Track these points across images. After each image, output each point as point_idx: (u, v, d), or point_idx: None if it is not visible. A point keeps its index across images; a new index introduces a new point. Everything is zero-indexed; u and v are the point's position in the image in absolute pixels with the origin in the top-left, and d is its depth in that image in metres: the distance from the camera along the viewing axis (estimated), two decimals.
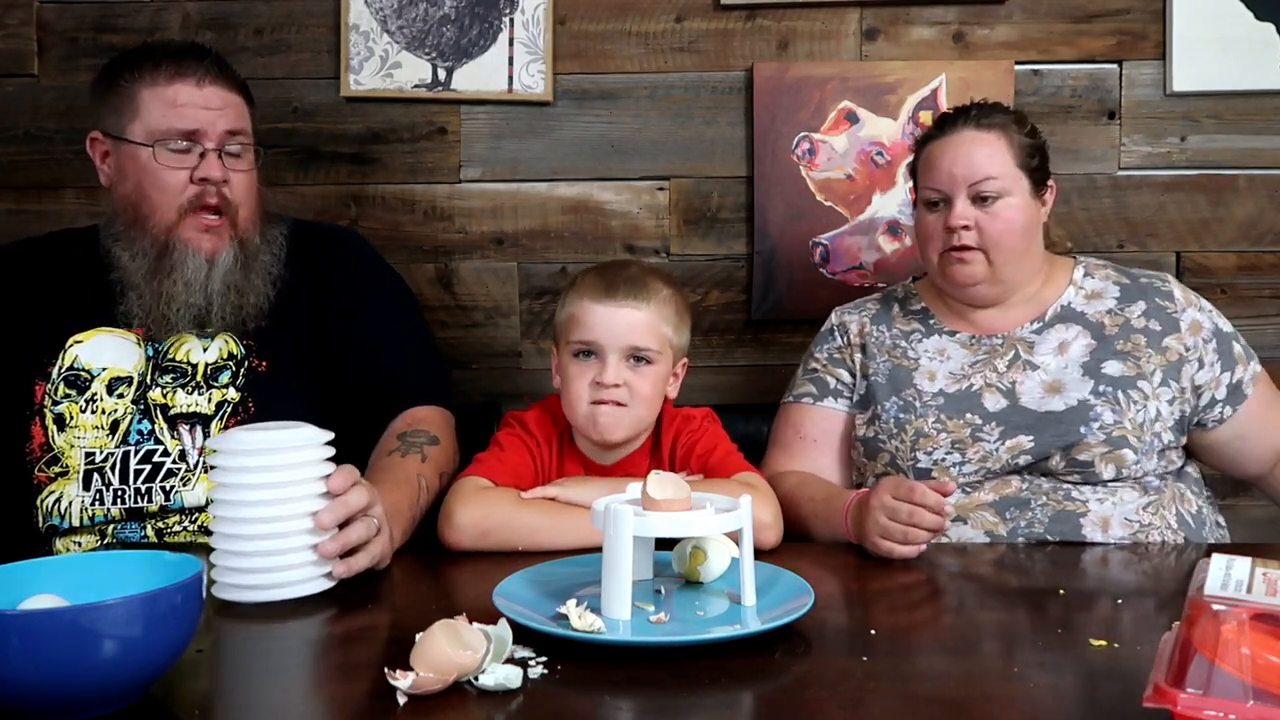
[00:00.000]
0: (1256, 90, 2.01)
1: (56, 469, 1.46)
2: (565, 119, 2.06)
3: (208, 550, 1.13)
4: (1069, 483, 1.47)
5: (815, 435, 1.63)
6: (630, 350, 1.39)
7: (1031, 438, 1.48)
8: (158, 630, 0.82)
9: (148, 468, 1.45)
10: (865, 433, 1.59)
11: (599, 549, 1.02)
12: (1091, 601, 1.15)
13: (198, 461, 1.45)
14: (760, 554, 1.18)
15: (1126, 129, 2.04)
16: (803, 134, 2.03)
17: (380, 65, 2.03)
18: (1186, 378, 1.52)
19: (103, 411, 1.46)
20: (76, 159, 2.03)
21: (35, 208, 2.06)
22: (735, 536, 1.07)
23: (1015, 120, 1.57)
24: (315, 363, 1.54)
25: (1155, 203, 2.05)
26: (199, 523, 1.44)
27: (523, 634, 0.95)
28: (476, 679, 0.86)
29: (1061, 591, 1.15)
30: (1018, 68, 2.03)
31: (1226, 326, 1.58)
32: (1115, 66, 2.04)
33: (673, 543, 1.14)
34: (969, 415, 1.52)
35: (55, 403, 1.47)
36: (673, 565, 1.14)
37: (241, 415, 1.47)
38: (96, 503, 1.44)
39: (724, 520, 1.03)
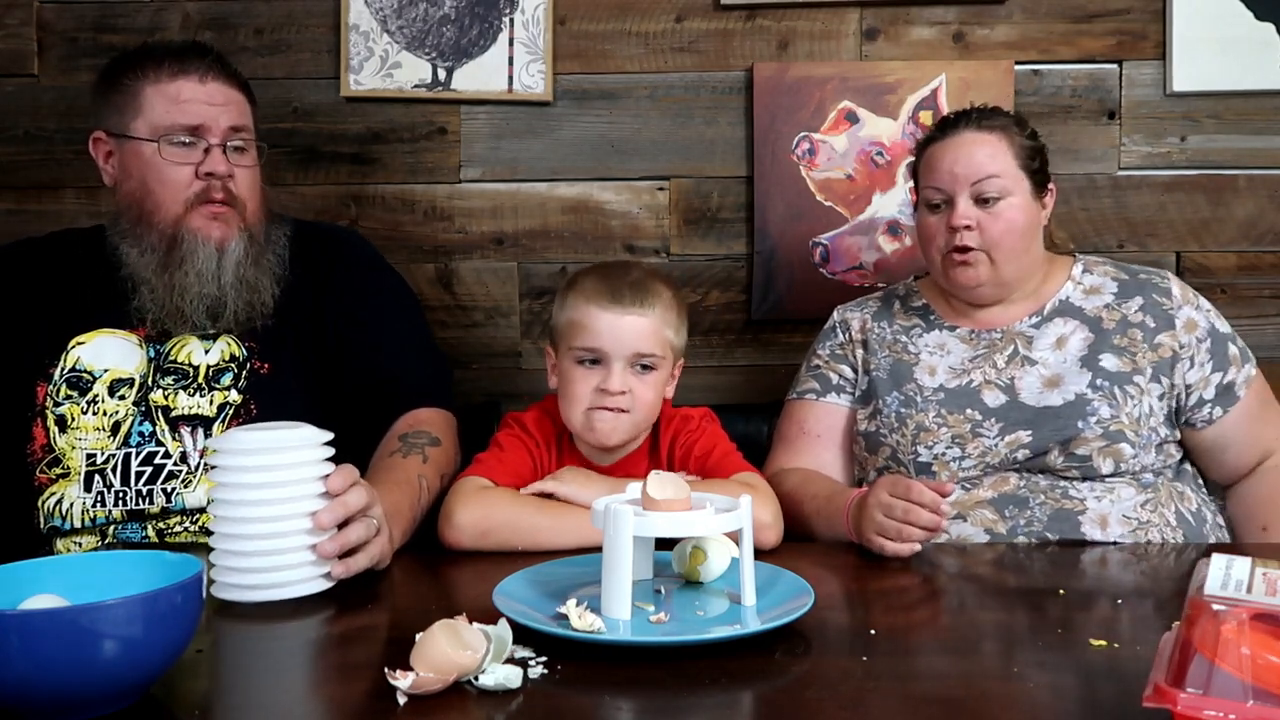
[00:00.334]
0: (1256, 90, 2.01)
1: (58, 470, 1.46)
2: (565, 119, 2.06)
3: (207, 550, 1.13)
4: (1067, 479, 1.47)
5: (819, 430, 1.64)
6: (636, 357, 1.39)
7: (1030, 433, 1.48)
8: (158, 630, 0.82)
9: (149, 469, 1.45)
10: (866, 427, 1.60)
11: (599, 549, 1.02)
12: (1091, 601, 1.15)
13: (199, 463, 1.45)
14: (760, 554, 1.18)
15: (1126, 129, 2.04)
16: (803, 134, 2.03)
17: (380, 65, 2.03)
18: (1178, 375, 1.52)
19: (104, 413, 1.46)
20: (76, 159, 2.03)
21: (35, 208, 2.06)
22: (735, 536, 1.07)
23: (1016, 122, 1.58)
24: (316, 364, 1.54)
25: (1155, 203, 2.05)
26: (200, 524, 1.44)
27: (523, 634, 0.95)
28: (476, 679, 0.86)
29: (1061, 591, 1.15)
30: (1018, 68, 2.03)
31: (1224, 327, 1.58)
32: (1115, 66, 2.04)
33: (673, 543, 1.14)
34: (969, 411, 1.52)
35: (57, 404, 1.47)
36: (673, 565, 1.14)
37: (243, 417, 1.47)
38: (98, 504, 1.44)
39: (724, 520, 1.03)
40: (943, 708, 0.84)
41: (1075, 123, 2.04)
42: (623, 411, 1.39)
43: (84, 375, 1.48)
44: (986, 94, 1.93)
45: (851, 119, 2.03)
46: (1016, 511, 1.45)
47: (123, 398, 1.47)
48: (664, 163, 2.07)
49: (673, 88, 2.06)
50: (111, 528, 1.44)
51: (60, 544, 1.46)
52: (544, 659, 0.92)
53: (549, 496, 1.35)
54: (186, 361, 1.50)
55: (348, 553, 1.15)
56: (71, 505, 1.44)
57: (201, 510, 1.44)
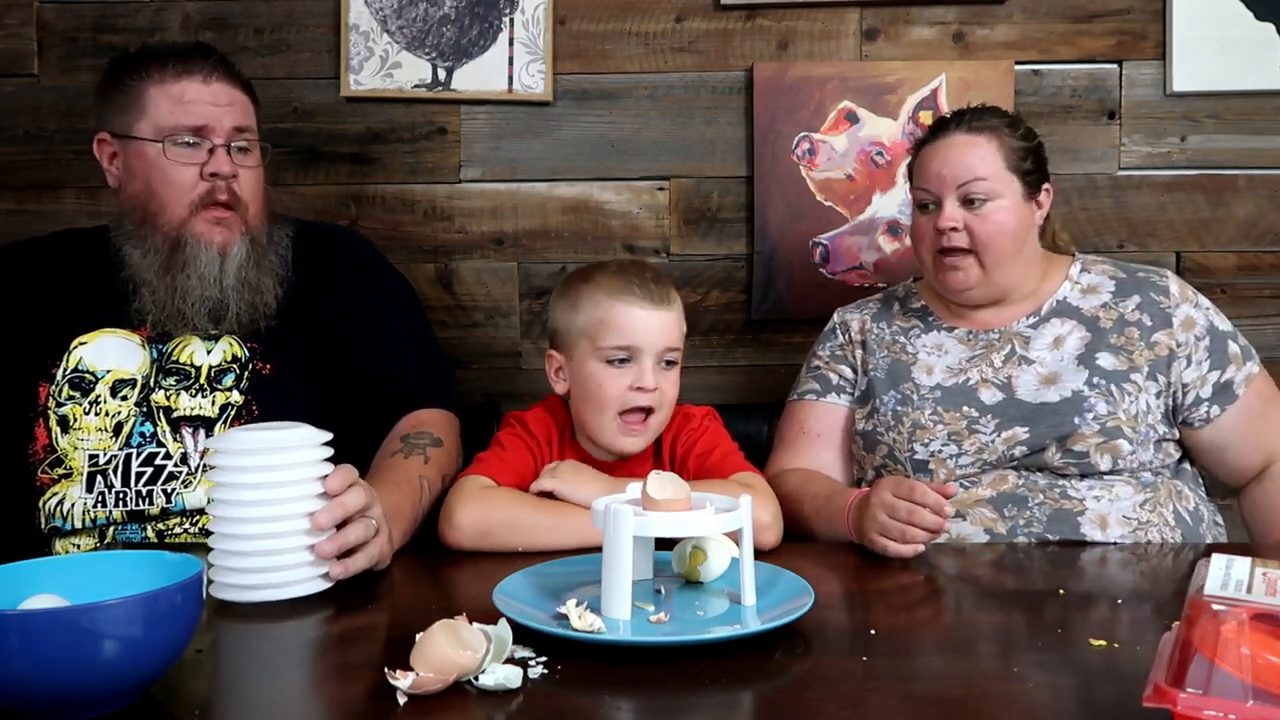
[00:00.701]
0: (1256, 90, 2.01)
1: (60, 471, 1.46)
2: (565, 119, 2.06)
3: (207, 551, 1.13)
4: (1066, 477, 1.47)
5: (819, 430, 1.64)
6: (665, 352, 1.40)
7: (1027, 429, 1.49)
8: (158, 630, 0.82)
9: (149, 470, 1.45)
10: (864, 426, 1.60)
11: (599, 549, 1.02)
12: (1091, 601, 1.15)
13: (199, 464, 1.45)
14: (760, 554, 1.18)
15: (1126, 129, 2.04)
16: (803, 134, 2.03)
17: (380, 65, 2.03)
18: (1175, 374, 1.52)
19: (106, 414, 1.46)
20: (76, 159, 2.03)
21: (35, 208, 2.06)
22: (735, 536, 1.07)
23: (1009, 123, 1.58)
24: (317, 364, 1.54)
25: (1155, 203, 2.05)
26: (200, 525, 1.44)
27: (523, 634, 0.95)
28: (476, 679, 0.86)
29: (1061, 591, 1.15)
30: (1018, 68, 2.03)
31: (1224, 325, 1.57)
32: (1115, 66, 2.04)
33: (673, 543, 1.14)
34: (965, 408, 1.53)
35: (59, 404, 1.47)
36: (673, 565, 1.14)
37: (245, 418, 1.47)
38: (98, 505, 1.44)
39: (724, 520, 1.03)
40: (943, 708, 0.84)
41: (1075, 123, 2.04)
42: (651, 413, 1.39)
43: (86, 376, 1.48)
44: (986, 94, 1.93)
45: (851, 119, 2.03)
46: (1016, 511, 1.45)
47: (124, 398, 1.47)
48: (664, 163, 2.07)
49: (673, 88, 2.06)
50: (111, 528, 1.44)
51: (59, 545, 1.46)
52: (544, 659, 0.92)
53: (549, 495, 1.35)
54: (188, 362, 1.50)
55: (346, 553, 1.15)
56: (73, 506, 1.44)
57: (201, 511, 1.44)
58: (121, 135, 1.48)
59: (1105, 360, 1.52)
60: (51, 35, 2.06)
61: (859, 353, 1.66)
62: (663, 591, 1.09)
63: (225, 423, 1.47)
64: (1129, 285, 1.59)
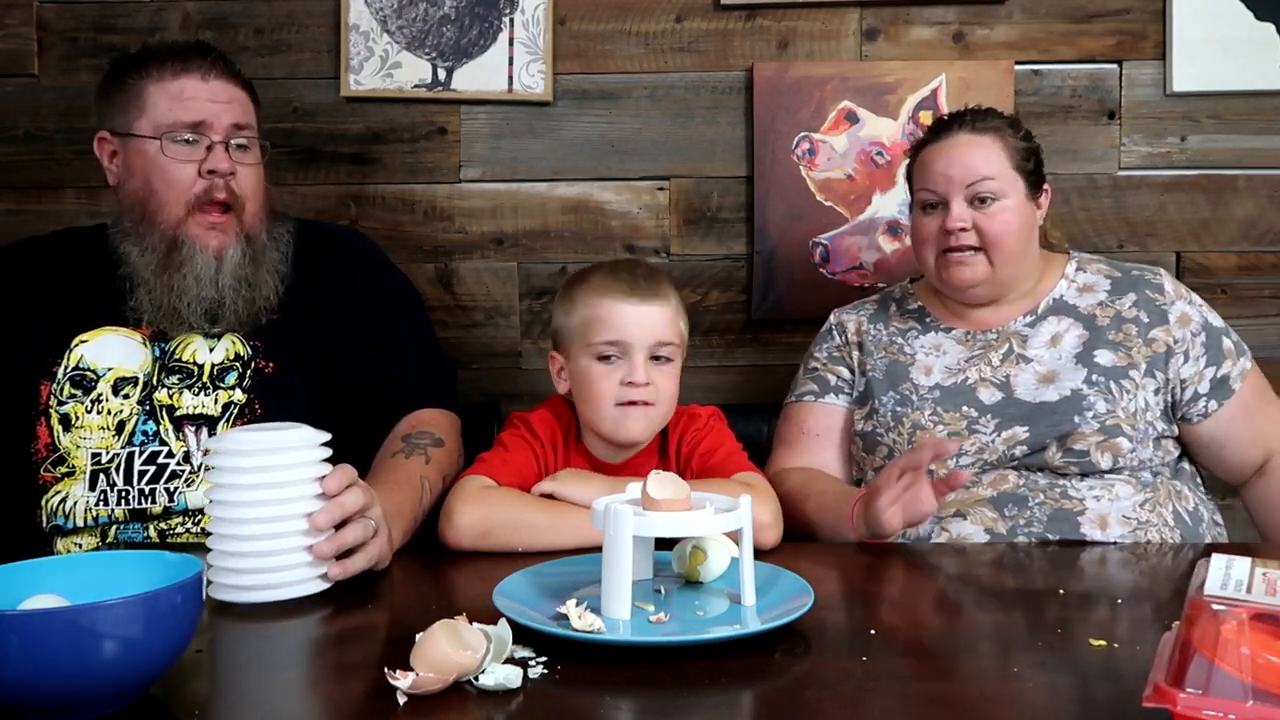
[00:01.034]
0: (1256, 90, 2.01)
1: (62, 469, 1.46)
2: (565, 119, 2.06)
3: (207, 551, 1.13)
4: (1066, 476, 1.48)
5: (818, 430, 1.64)
6: (656, 347, 1.40)
7: (1027, 428, 1.49)
8: (158, 630, 0.82)
9: (151, 469, 1.45)
10: (864, 427, 1.60)
11: (599, 549, 1.02)
12: (1091, 601, 1.15)
13: (201, 463, 1.45)
14: (760, 554, 1.18)
15: (1126, 129, 2.04)
16: (803, 134, 2.03)
17: (380, 65, 2.03)
18: (1172, 370, 1.53)
19: (108, 412, 1.46)
20: (76, 159, 2.03)
21: (35, 208, 2.06)
22: (735, 536, 1.07)
23: (1010, 124, 1.59)
24: (318, 364, 1.54)
25: (1155, 203, 2.05)
26: (201, 524, 1.44)
27: (523, 634, 0.95)
28: (476, 679, 0.86)
29: (1061, 591, 1.15)
30: (1018, 68, 2.03)
31: (1217, 321, 1.58)
32: (1115, 66, 2.04)
33: (673, 543, 1.14)
34: (965, 408, 1.53)
35: (61, 403, 1.47)
36: (673, 565, 1.14)
37: (248, 416, 1.47)
38: (101, 503, 1.44)
39: (724, 520, 1.03)
40: (942, 708, 0.84)
41: (1075, 123, 2.04)
42: (649, 405, 1.39)
43: (87, 374, 1.48)
44: (986, 94, 1.93)
45: (851, 119, 2.03)
46: (1016, 511, 1.45)
47: (127, 396, 1.47)
48: (664, 163, 2.07)
49: (673, 88, 2.06)
50: (114, 527, 1.44)
51: (61, 544, 1.46)
52: (544, 659, 0.92)
53: (549, 497, 1.35)
54: (191, 360, 1.50)
55: (345, 553, 1.15)
56: (75, 504, 1.44)
57: (203, 511, 1.44)
58: (121, 133, 1.48)
59: (1104, 357, 1.52)
60: (51, 35, 2.06)
61: (856, 354, 1.66)
62: (663, 591, 1.09)
63: (228, 421, 1.47)
64: (1124, 283, 1.59)
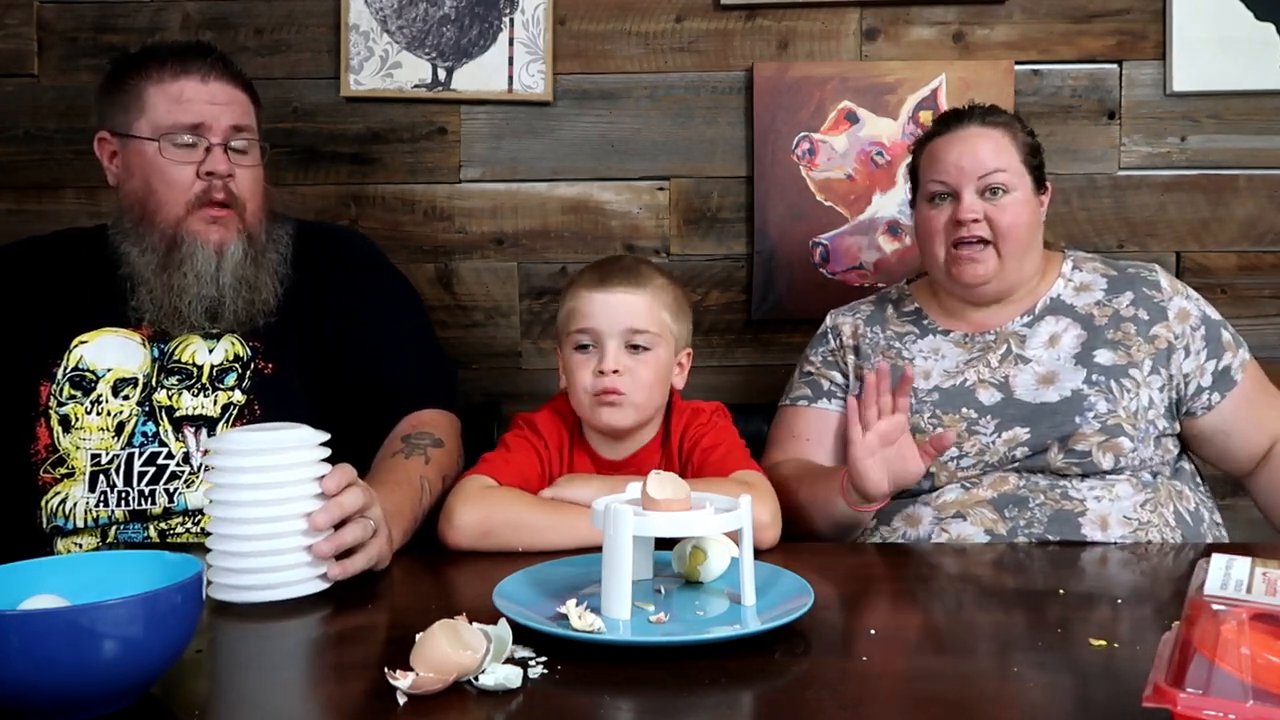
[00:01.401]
0: (1256, 90, 2.01)
1: (62, 470, 1.46)
2: (565, 119, 2.06)
3: (206, 550, 1.13)
4: (1067, 477, 1.48)
5: (808, 435, 1.65)
6: (628, 334, 1.39)
7: (1028, 429, 1.49)
8: (158, 630, 0.82)
9: (151, 470, 1.45)
10: None
11: (599, 549, 1.02)
12: (1091, 601, 1.15)
13: (201, 464, 1.45)
14: (760, 554, 1.18)
15: (1126, 129, 2.04)
16: (803, 134, 2.03)
17: (380, 65, 2.03)
18: (1175, 365, 1.53)
19: (108, 413, 1.46)
20: (76, 159, 2.03)
21: (35, 208, 2.06)
22: (735, 536, 1.07)
23: (1017, 120, 1.61)
24: (318, 364, 1.54)
25: (1155, 203, 2.05)
26: (201, 524, 1.44)
27: (523, 634, 0.95)
28: (476, 679, 0.86)
29: (1061, 591, 1.15)
30: (1018, 68, 2.03)
31: (1214, 314, 1.59)
32: (1115, 66, 2.04)
33: (673, 543, 1.14)
34: (964, 410, 1.53)
35: (60, 404, 1.47)
36: (673, 565, 1.14)
37: (247, 417, 1.47)
38: (100, 504, 1.44)
39: (724, 520, 1.03)
40: (942, 708, 0.84)
41: (1075, 123, 2.04)
42: (620, 393, 1.38)
43: (87, 375, 1.48)
44: (986, 94, 1.93)
45: (851, 119, 2.03)
46: (1016, 512, 1.45)
47: (126, 397, 1.47)
48: (664, 163, 2.07)
49: (673, 88, 2.06)
50: (114, 528, 1.44)
51: (61, 544, 1.46)
52: (544, 659, 0.92)
53: None
54: (190, 361, 1.50)
55: (345, 553, 1.15)
56: (75, 505, 1.44)
57: (203, 511, 1.44)
58: (121, 134, 1.48)
59: (1103, 357, 1.52)
60: (51, 35, 2.06)
61: (851, 358, 1.66)
62: (663, 591, 1.09)
63: (227, 422, 1.47)
64: (1121, 281, 1.59)
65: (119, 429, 1.46)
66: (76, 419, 1.46)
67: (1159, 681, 0.72)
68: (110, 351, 1.49)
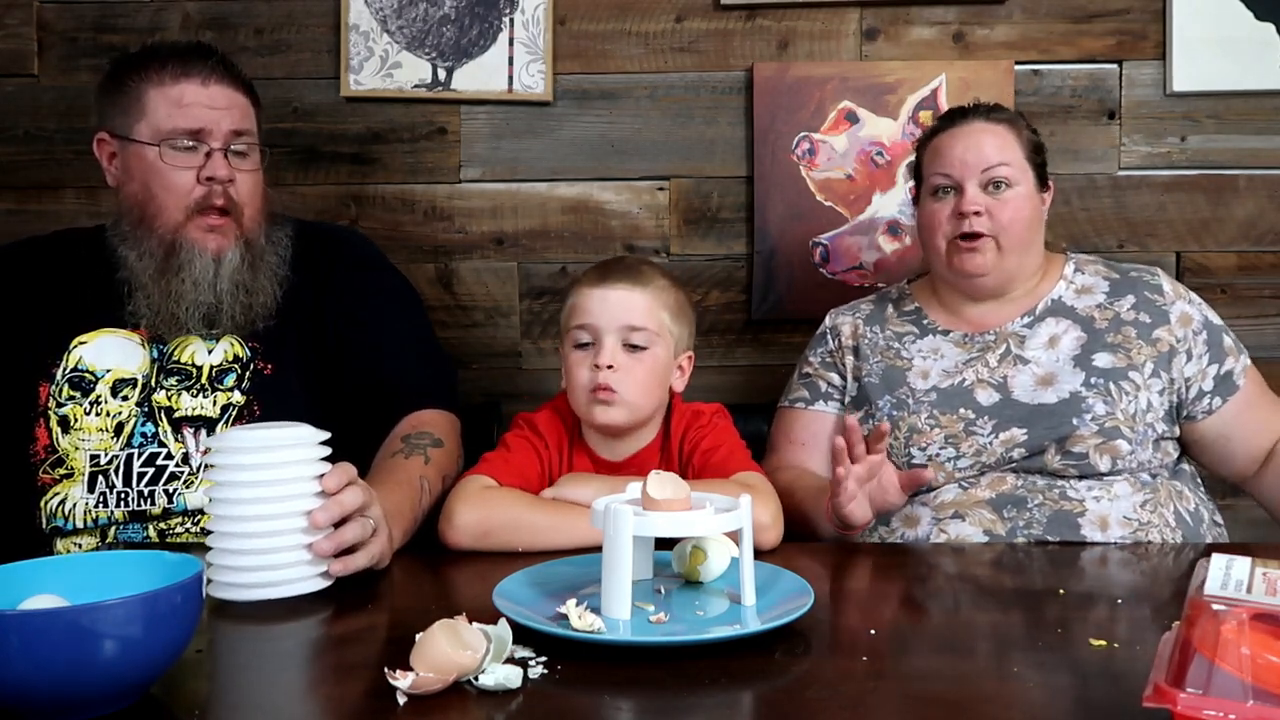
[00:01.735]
0: (1256, 90, 2.01)
1: (61, 471, 1.46)
2: (565, 119, 2.06)
3: (206, 550, 1.13)
4: (1065, 478, 1.47)
5: (804, 438, 1.65)
6: (626, 331, 1.39)
7: (1025, 430, 1.49)
8: (158, 630, 0.82)
9: (150, 470, 1.45)
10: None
11: (599, 549, 1.02)
12: (1091, 601, 1.15)
13: (200, 464, 1.45)
14: (760, 554, 1.18)
15: (1126, 129, 2.04)
16: (803, 134, 2.03)
17: (380, 65, 2.03)
18: (1176, 369, 1.53)
19: (107, 414, 1.46)
20: (76, 159, 2.03)
21: (35, 208, 2.06)
22: (735, 536, 1.07)
23: (1020, 117, 1.62)
24: (318, 364, 1.54)
25: (1155, 203, 2.05)
26: (201, 524, 1.44)
27: (523, 634, 0.95)
28: (476, 679, 0.86)
29: (1061, 591, 1.15)
30: (1018, 68, 2.03)
31: (1216, 319, 1.59)
32: (1115, 66, 2.04)
33: (673, 543, 1.14)
34: (962, 410, 1.53)
35: (60, 405, 1.47)
36: (673, 565, 1.14)
37: (247, 418, 1.47)
38: (100, 505, 1.44)
39: (724, 520, 1.03)
40: (942, 708, 0.84)
41: (1075, 123, 2.04)
42: (613, 391, 1.38)
43: (86, 375, 1.48)
44: (986, 94, 1.92)
45: (851, 119, 2.03)
46: (1015, 512, 1.45)
47: (125, 398, 1.47)
48: (664, 163, 2.07)
49: (673, 88, 2.06)
50: (113, 528, 1.44)
51: (61, 544, 1.46)
52: (544, 659, 0.92)
53: None
54: (189, 362, 1.50)
55: (345, 551, 1.15)
56: (75, 506, 1.44)
57: (202, 511, 1.44)
58: (121, 136, 1.48)
59: (1102, 360, 1.52)
60: (51, 35, 2.06)
61: (850, 359, 1.66)
62: (663, 591, 1.09)
63: (227, 423, 1.47)
64: (1123, 285, 1.59)
65: (118, 430, 1.46)
66: (76, 420, 1.46)
67: (1159, 681, 0.72)
68: (110, 352, 1.49)
